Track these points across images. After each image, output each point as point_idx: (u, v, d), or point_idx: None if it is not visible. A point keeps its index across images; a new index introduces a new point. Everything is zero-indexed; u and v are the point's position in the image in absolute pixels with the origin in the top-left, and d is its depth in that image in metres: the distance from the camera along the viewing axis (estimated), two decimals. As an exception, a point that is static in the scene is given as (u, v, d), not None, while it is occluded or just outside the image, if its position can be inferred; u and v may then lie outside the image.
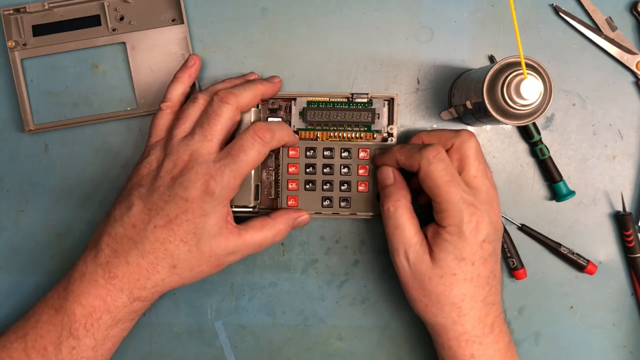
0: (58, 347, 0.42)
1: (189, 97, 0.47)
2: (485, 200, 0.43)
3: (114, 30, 0.49)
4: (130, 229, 0.42)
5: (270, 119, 0.49)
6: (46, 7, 0.48)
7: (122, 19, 0.49)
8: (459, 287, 0.43)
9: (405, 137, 0.50)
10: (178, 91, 0.47)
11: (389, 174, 0.47)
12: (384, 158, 0.47)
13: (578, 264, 0.50)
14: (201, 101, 0.45)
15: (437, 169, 0.42)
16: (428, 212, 0.44)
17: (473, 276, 0.43)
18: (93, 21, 0.49)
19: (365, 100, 0.48)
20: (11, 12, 0.48)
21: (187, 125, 0.44)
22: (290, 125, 0.49)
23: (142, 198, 0.42)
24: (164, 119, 0.46)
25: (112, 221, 0.43)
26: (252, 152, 0.42)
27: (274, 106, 0.49)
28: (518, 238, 0.51)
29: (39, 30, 0.49)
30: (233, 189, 0.42)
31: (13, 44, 0.48)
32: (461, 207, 0.41)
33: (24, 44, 0.49)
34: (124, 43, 0.49)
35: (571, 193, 0.50)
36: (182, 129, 0.44)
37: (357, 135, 0.49)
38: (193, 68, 0.48)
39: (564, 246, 0.51)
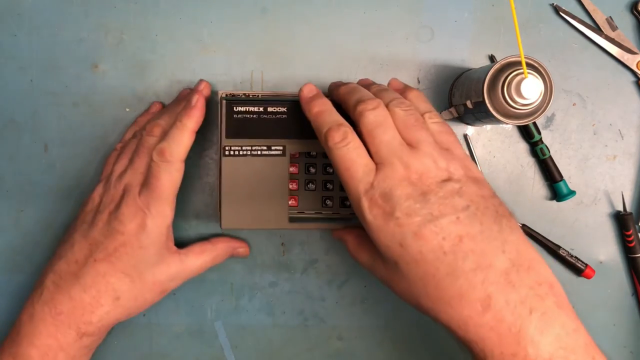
0: None
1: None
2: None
3: None
4: (73, 265, 0.43)
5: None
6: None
7: None
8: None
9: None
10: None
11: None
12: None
13: (576, 267, 0.50)
14: (139, 136, 0.46)
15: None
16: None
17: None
18: None
19: (366, 100, 0.48)
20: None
21: (124, 161, 0.46)
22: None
23: (84, 234, 0.43)
24: (112, 157, 0.48)
25: (57, 259, 0.44)
26: (163, 176, 0.42)
27: (274, 106, 0.48)
28: (518, 238, 0.51)
29: None
30: (165, 216, 0.43)
31: None
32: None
33: None
34: None
35: (572, 193, 0.50)
36: (120, 164, 0.46)
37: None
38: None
39: (563, 249, 0.50)
